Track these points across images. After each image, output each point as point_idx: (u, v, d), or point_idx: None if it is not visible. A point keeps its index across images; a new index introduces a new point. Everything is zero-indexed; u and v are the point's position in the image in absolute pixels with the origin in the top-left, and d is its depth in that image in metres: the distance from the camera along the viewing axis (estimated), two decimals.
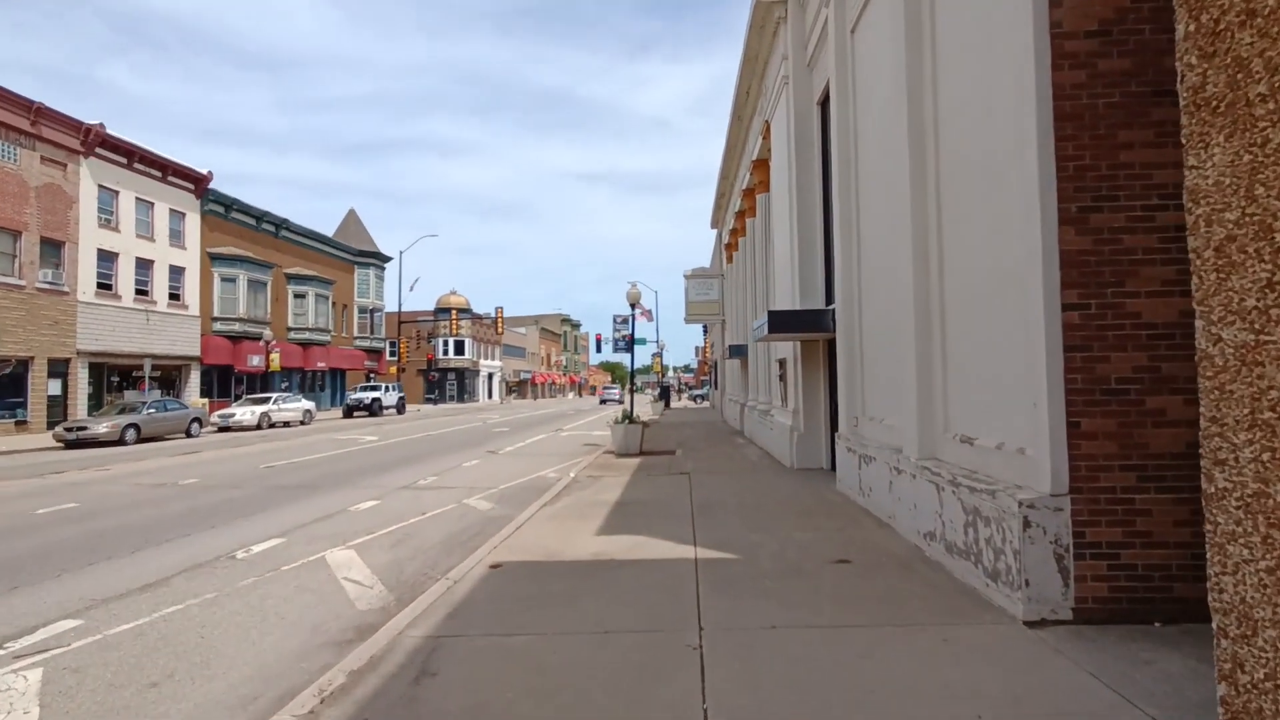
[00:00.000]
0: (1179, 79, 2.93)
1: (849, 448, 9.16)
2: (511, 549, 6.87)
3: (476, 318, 67.58)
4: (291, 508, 9.97)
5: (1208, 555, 2.81)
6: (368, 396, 40.01)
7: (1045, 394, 4.51)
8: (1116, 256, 4.52)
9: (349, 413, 38.98)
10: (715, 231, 33.19)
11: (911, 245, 6.68)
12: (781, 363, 13.58)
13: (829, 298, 11.84)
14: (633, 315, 19.22)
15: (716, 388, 40.53)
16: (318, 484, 12.32)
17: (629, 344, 18.94)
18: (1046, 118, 4.57)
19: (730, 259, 27.14)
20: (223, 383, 36.00)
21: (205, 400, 32.36)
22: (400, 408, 43.51)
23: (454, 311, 59.78)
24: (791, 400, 12.66)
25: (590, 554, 6.61)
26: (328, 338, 44.35)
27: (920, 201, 6.65)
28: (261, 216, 39.14)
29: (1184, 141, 2.92)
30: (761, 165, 16.92)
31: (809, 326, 10.25)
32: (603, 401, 64.77)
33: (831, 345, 11.66)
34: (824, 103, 11.87)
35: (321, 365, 43.95)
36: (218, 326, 35.29)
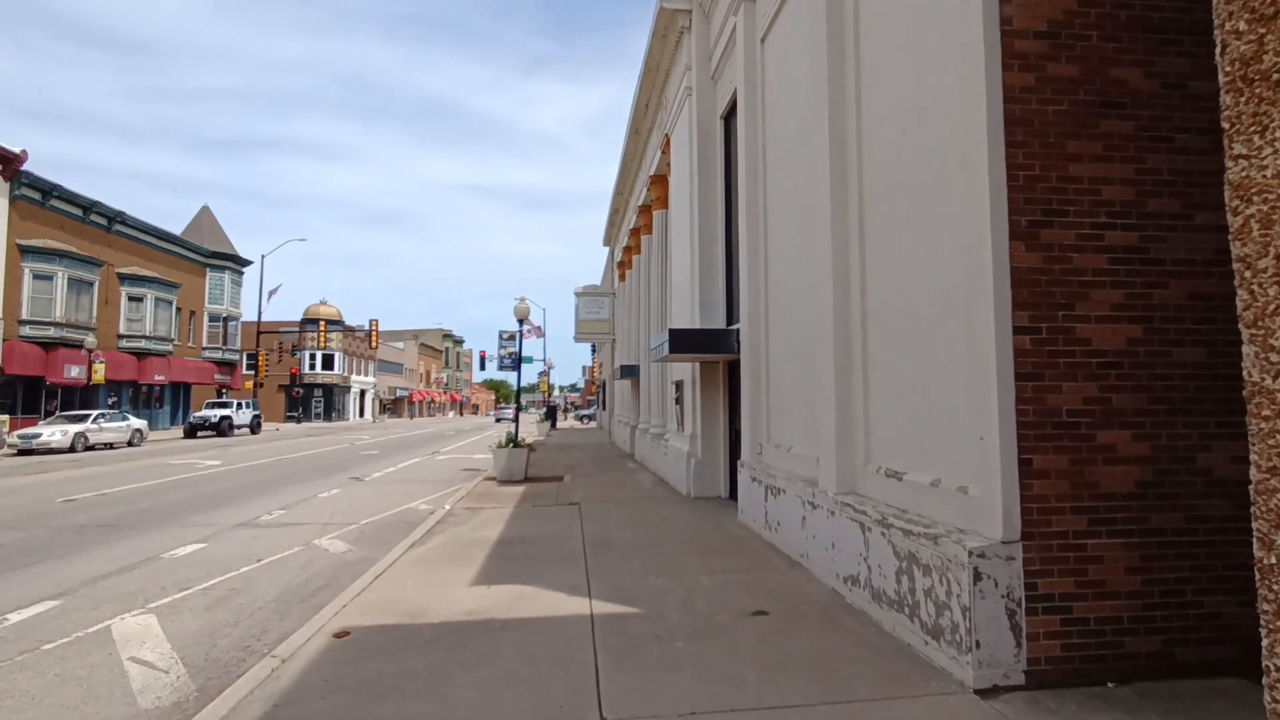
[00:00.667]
0: (1219, 50, 2.41)
1: (753, 477, 8.58)
2: (366, 608, 5.60)
3: (349, 330, 63.06)
4: (83, 556, 7.98)
5: (1264, 642, 2.26)
6: (215, 414, 35.73)
7: (996, 426, 4.01)
8: (1066, 277, 4.12)
9: (192, 432, 34.58)
10: (608, 250, 32.65)
11: (831, 263, 6.18)
12: (679, 385, 12.98)
13: (731, 318, 11.38)
14: (520, 331, 18.05)
15: (604, 408, 39.79)
16: (128, 522, 10.17)
17: (515, 361, 17.73)
18: (997, 122, 4.13)
19: (623, 277, 26.62)
20: (30, 397, 30.73)
21: (4, 418, 27.37)
22: (255, 427, 39.27)
23: (323, 323, 55.29)
24: (689, 424, 12.04)
25: (465, 612, 5.49)
26: (169, 348, 39.33)
27: (841, 216, 6.18)
28: (90, 207, 34.18)
29: (1227, 126, 2.38)
30: (660, 181, 16.45)
31: (712, 347, 9.68)
32: (498, 420, 62.54)
33: (733, 367, 11.18)
34: (729, 116, 11.51)
35: (161, 379, 38.84)
36: (27, 331, 30.16)
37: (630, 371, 20.67)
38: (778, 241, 8.45)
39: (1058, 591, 3.97)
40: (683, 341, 9.66)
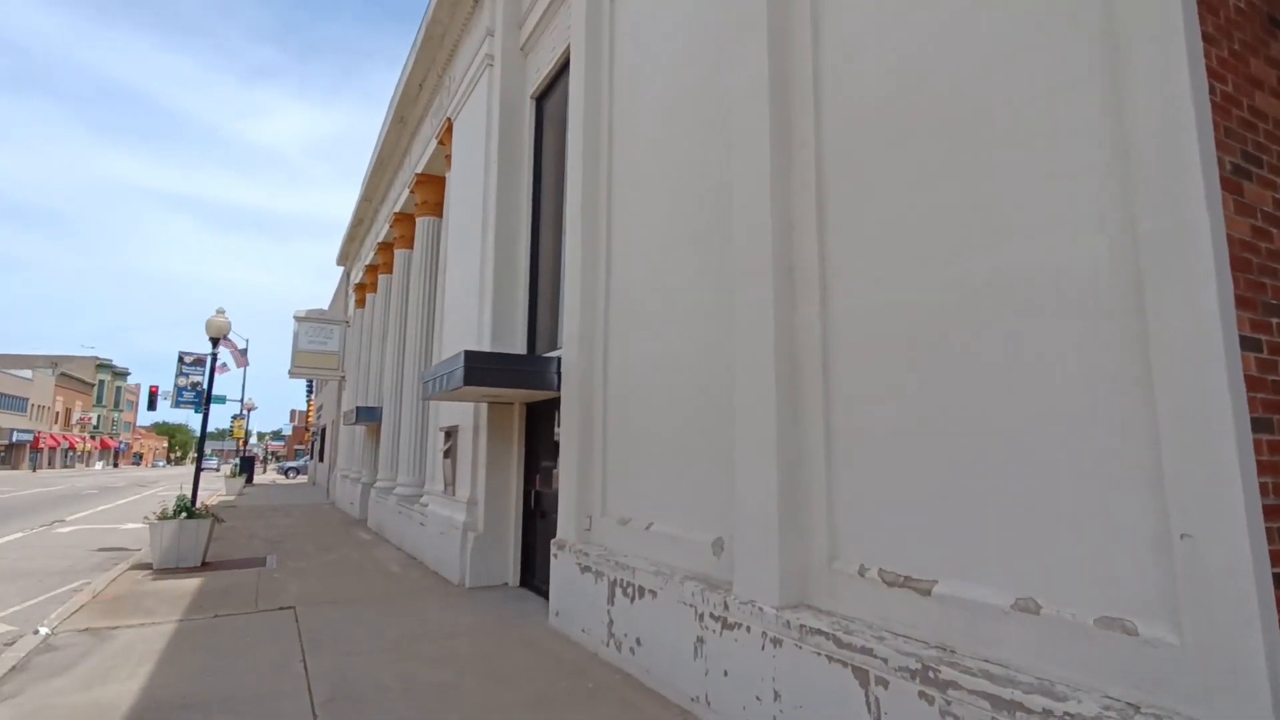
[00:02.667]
0: None
1: (584, 565, 6.02)
2: None
3: None
4: None
5: None
6: None
7: (1219, 514, 2.18)
8: (1275, 262, 2.55)
9: None
10: (342, 270, 27.61)
11: (771, 254, 4.14)
12: (449, 432, 9.88)
13: (534, 344, 8.81)
14: (213, 356, 13.03)
15: (321, 460, 33.29)
16: None
17: (205, 394, 12.72)
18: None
19: (362, 302, 22.24)
20: None
21: None
22: None
23: None
24: (465, 486, 9.01)
25: None
26: None
27: (784, 183, 4.22)
28: None
29: None
30: (431, 182, 13.40)
31: (526, 379, 7.00)
32: (201, 468, 49.61)
33: (534, 411, 8.56)
34: (544, 95, 9.22)
35: None
36: None
37: (368, 415, 16.57)
38: (629, 242, 6.28)
39: None
40: (485, 370, 6.83)
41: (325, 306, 28.97)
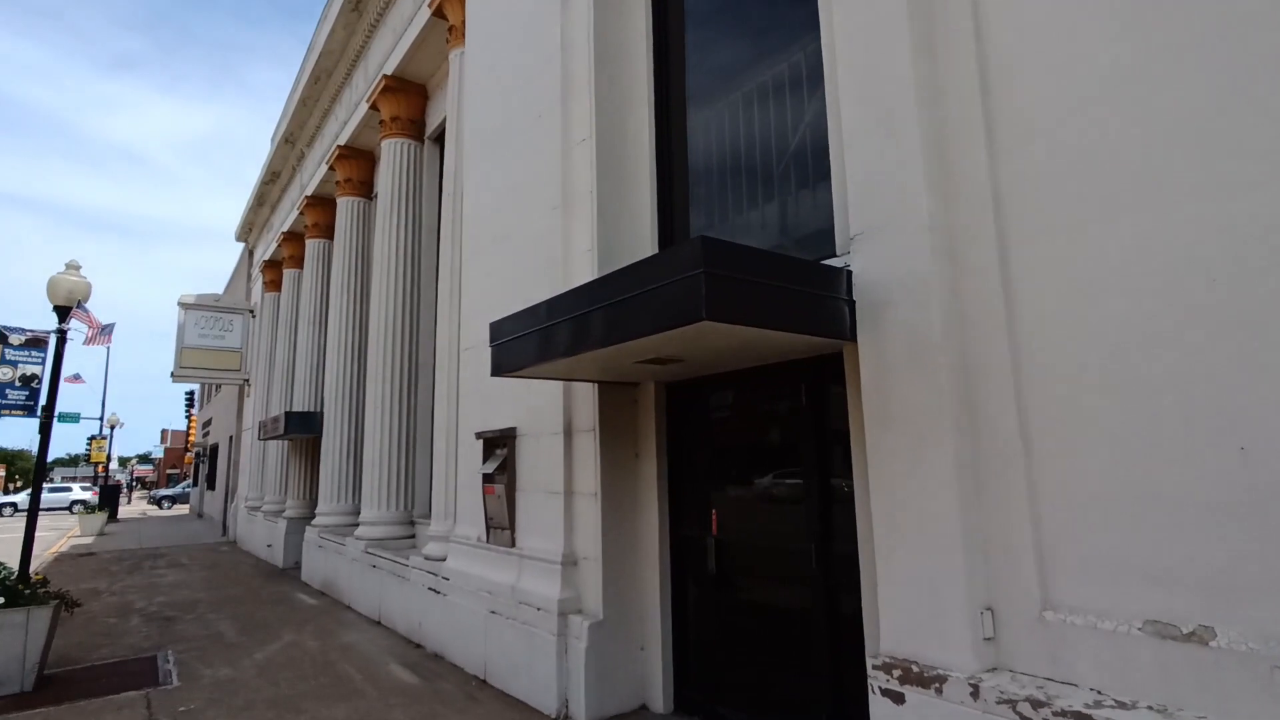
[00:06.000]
0: None
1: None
2: None
3: None
4: None
5: None
6: None
7: None
8: None
9: None
10: (243, 248, 22.20)
11: None
12: (496, 439, 5.91)
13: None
14: (59, 332, 8.26)
15: (211, 487, 27.26)
16: None
17: (49, 395, 7.92)
18: None
19: (275, 283, 17.39)
20: None
21: None
22: None
23: None
24: (548, 532, 5.13)
25: None
26: None
27: None
28: None
29: None
30: (408, 90, 9.31)
31: (809, 312, 3.28)
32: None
33: (682, 394, 4.84)
34: None
35: None
36: None
37: (302, 424, 11.94)
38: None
39: None
40: (749, 287, 3.03)
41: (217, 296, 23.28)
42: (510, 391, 5.76)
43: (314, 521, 10.93)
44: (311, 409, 12.50)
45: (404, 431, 8.90)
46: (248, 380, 19.03)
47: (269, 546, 13.58)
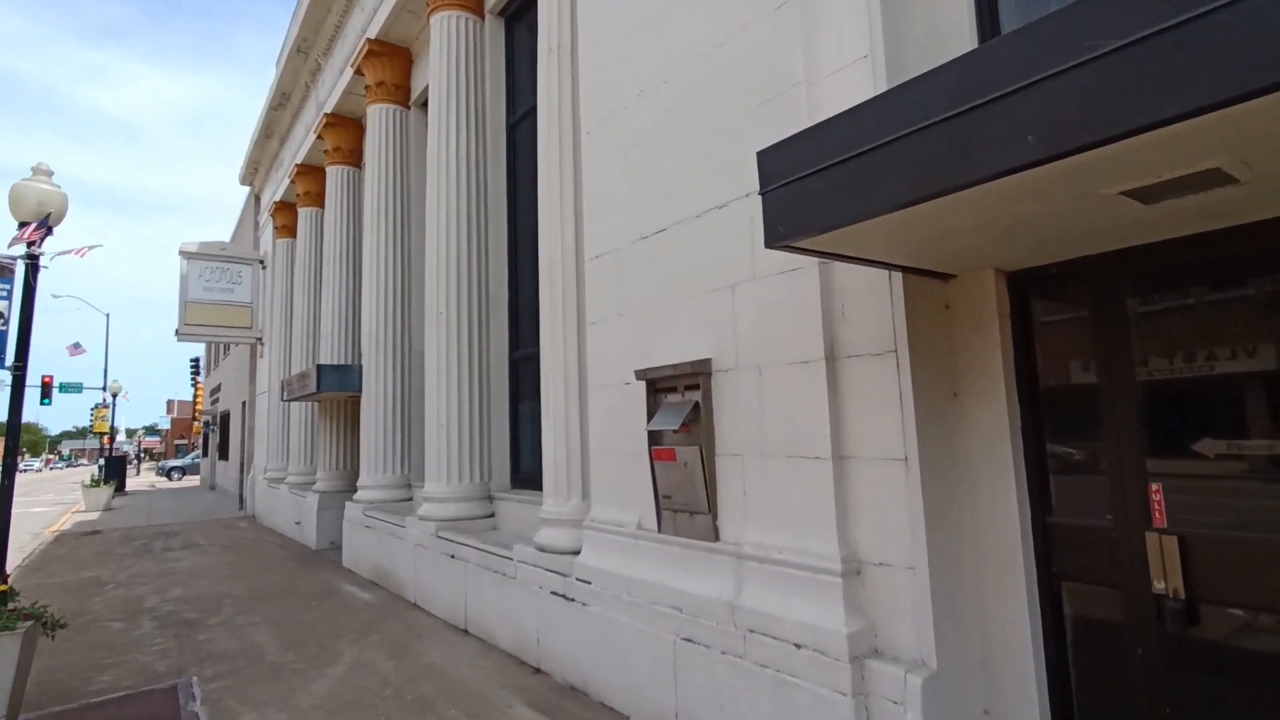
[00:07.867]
0: None
1: None
2: None
3: None
4: None
5: None
6: None
7: None
8: None
9: None
10: (249, 192, 20.03)
11: None
12: (673, 383, 3.97)
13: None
14: (29, 263, 6.29)
15: (223, 456, 25.55)
16: None
17: (19, 339, 5.92)
18: None
19: (290, 228, 15.31)
20: None
21: None
22: None
23: None
24: (796, 523, 3.22)
25: None
26: None
27: None
28: None
29: None
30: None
31: None
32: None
33: (1030, 284, 2.83)
34: None
35: None
36: None
37: (337, 380, 10.00)
38: None
39: None
40: None
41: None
42: (692, 304, 3.77)
43: (356, 496, 9.06)
44: (346, 363, 10.53)
45: (478, 384, 6.95)
46: (260, 338, 17.07)
47: (297, 524, 11.77)
